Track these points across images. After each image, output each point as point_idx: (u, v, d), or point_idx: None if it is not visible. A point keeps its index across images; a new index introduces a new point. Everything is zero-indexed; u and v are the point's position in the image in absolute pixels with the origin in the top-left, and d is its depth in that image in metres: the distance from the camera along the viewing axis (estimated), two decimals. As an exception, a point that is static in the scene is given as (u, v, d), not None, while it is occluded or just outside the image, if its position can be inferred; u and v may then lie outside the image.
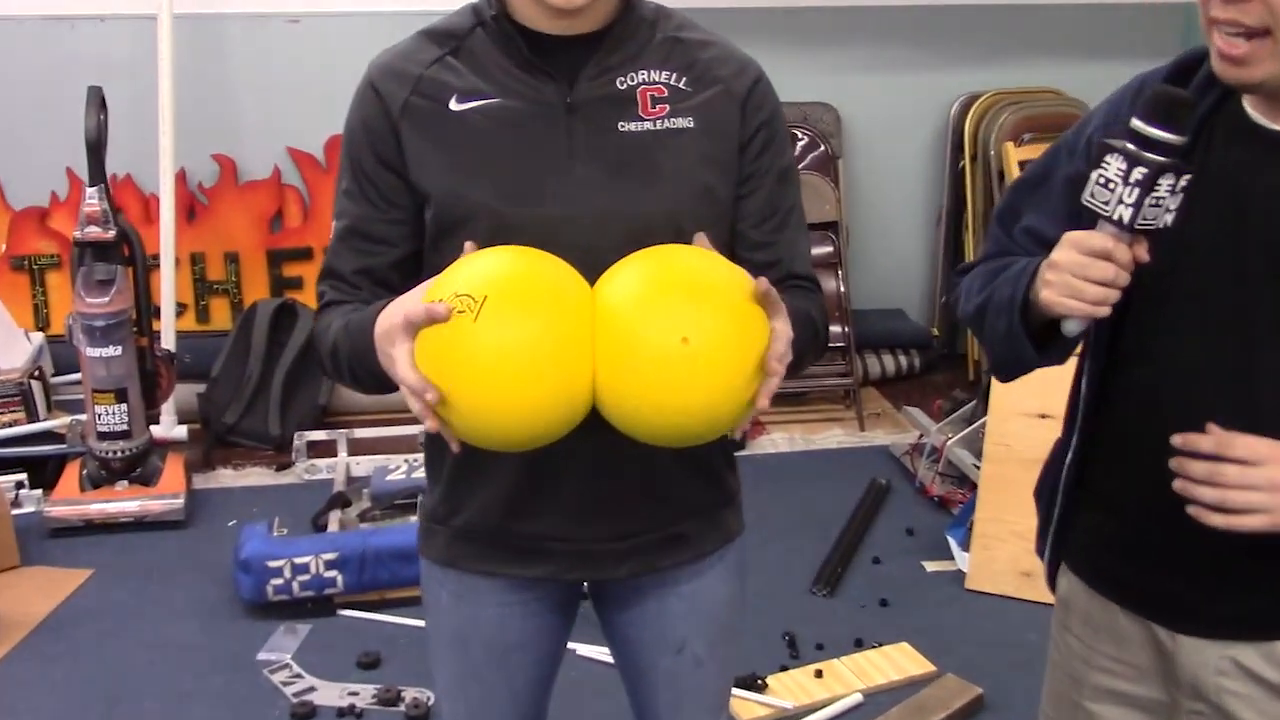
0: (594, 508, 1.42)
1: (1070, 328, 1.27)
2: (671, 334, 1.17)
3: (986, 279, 1.41)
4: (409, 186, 1.38)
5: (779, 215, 1.43)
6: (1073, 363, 1.43)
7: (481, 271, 1.21)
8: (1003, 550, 3.13)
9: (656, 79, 1.37)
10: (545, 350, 1.17)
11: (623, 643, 1.56)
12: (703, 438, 1.24)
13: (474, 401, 1.18)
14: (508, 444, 1.23)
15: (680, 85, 1.37)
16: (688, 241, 1.36)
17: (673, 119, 1.37)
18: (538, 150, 1.35)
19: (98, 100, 3.42)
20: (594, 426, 1.35)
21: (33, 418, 3.67)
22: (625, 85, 1.36)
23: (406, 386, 1.20)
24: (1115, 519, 1.39)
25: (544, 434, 1.22)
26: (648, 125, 1.36)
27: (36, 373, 3.72)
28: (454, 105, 1.36)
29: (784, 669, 2.80)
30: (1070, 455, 1.43)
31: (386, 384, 1.30)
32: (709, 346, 1.17)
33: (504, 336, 1.16)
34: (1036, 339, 1.34)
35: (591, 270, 1.27)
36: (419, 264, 1.41)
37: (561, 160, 1.34)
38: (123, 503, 3.44)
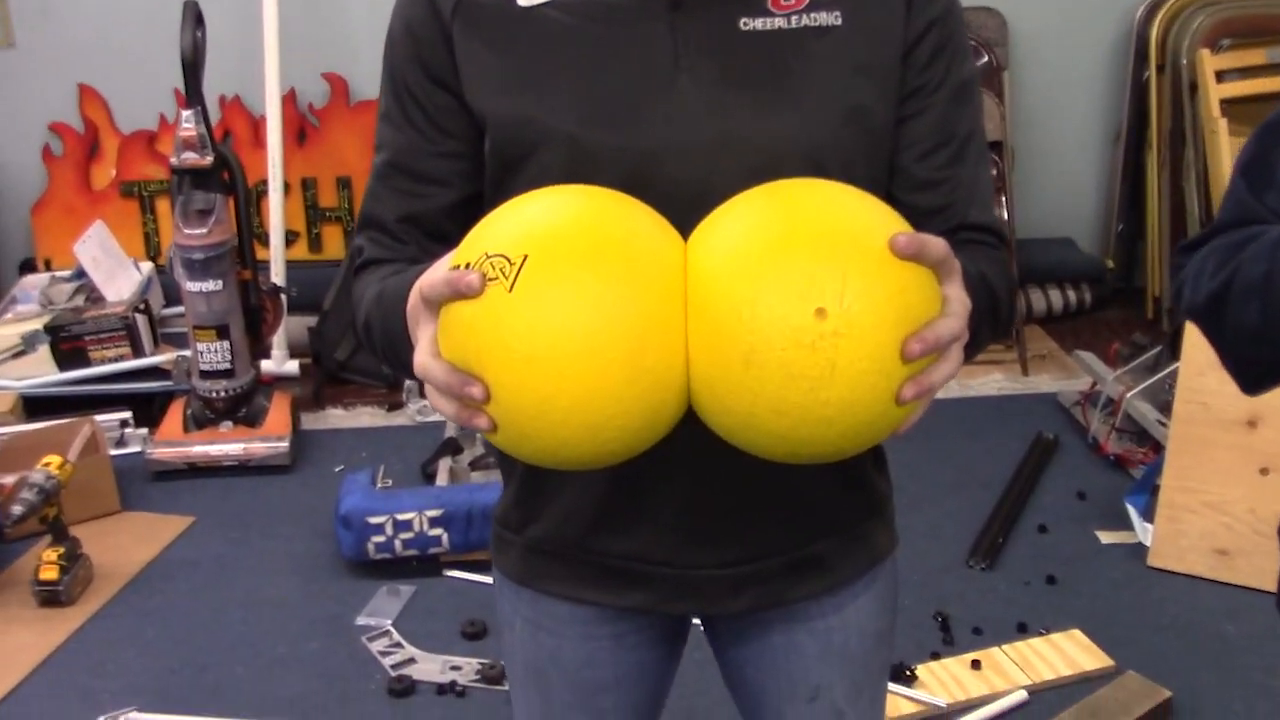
0: (702, 523, 1.10)
1: None
2: (800, 304, 0.82)
3: (1225, 256, 1.03)
4: (465, 108, 1.06)
5: (953, 145, 1.07)
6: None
7: (525, 221, 0.88)
8: (1194, 523, 2.72)
9: None
10: (611, 330, 0.84)
11: (741, 684, 1.25)
12: (843, 452, 0.90)
13: (513, 405, 0.86)
14: (565, 461, 0.90)
15: None
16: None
17: (813, 13, 1.02)
18: (631, 57, 1.01)
19: (194, 15, 3.19)
20: (699, 423, 1.04)
21: (138, 353, 3.51)
22: None
23: (429, 382, 0.89)
24: None
25: (616, 448, 0.89)
26: (779, 22, 1.01)
27: (142, 305, 3.56)
28: (523, 0, 1.03)
29: (935, 657, 2.46)
30: None
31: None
32: (857, 322, 0.82)
33: (549, 311, 0.83)
34: None
35: (700, 219, 0.94)
36: (482, 210, 1.10)
37: (663, 71, 1.01)
38: (226, 445, 3.26)
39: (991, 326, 1.05)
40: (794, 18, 1.01)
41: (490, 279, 0.84)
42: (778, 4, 1.01)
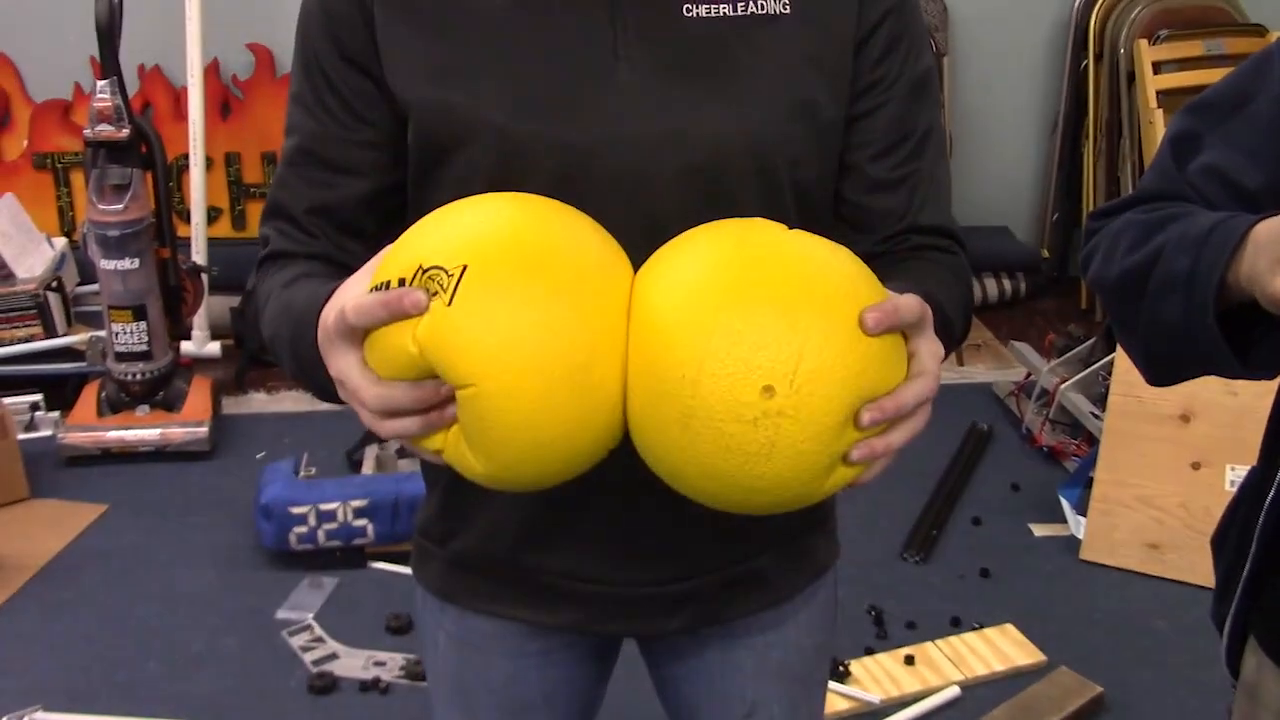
0: (637, 539, 1.04)
1: None
2: (746, 377, 0.76)
3: (1143, 233, 0.98)
4: (384, 93, 0.98)
5: (910, 142, 1.01)
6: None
7: (460, 229, 0.81)
8: (1126, 518, 2.72)
9: None
10: (559, 342, 0.78)
11: (676, 700, 1.19)
12: (775, 512, 0.84)
13: (462, 414, 0.80)
14: (504, 484, 0.84)
15: None
16: (778, 180, 0.96)
17: (760, 2, 0.95)
18: (567, 45, 0.95)
19: (110, -20, 3.04)
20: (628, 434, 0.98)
21: (50, 333, 3.38)
22: None
23: (392, 404, 0.81)
24: None
25: (561, 468, 0.83)
26: (725, 9, 0.95)
27: (55, 283, 3.42)
28: (452, -22, 0.96)
29: (869, 652, 2.44)
30: (1273, 496, 1.02)
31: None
32: (805, 405, 0.76)
33: (492, 324, 0.77)
34: (1226, 330, 0.91)
35: (639, 219, 0.88)
36: (402, 203, 1.02)
37: (601, 59, 0.94)
38: (142, 430, 3.14)
39: (946, 335, 0.99)
40: (740, 5, 0.95)
41: (431, 293, 0.77)
42: (724, -9, 0.95)
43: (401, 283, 0.79)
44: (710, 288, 0.79)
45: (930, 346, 0.83)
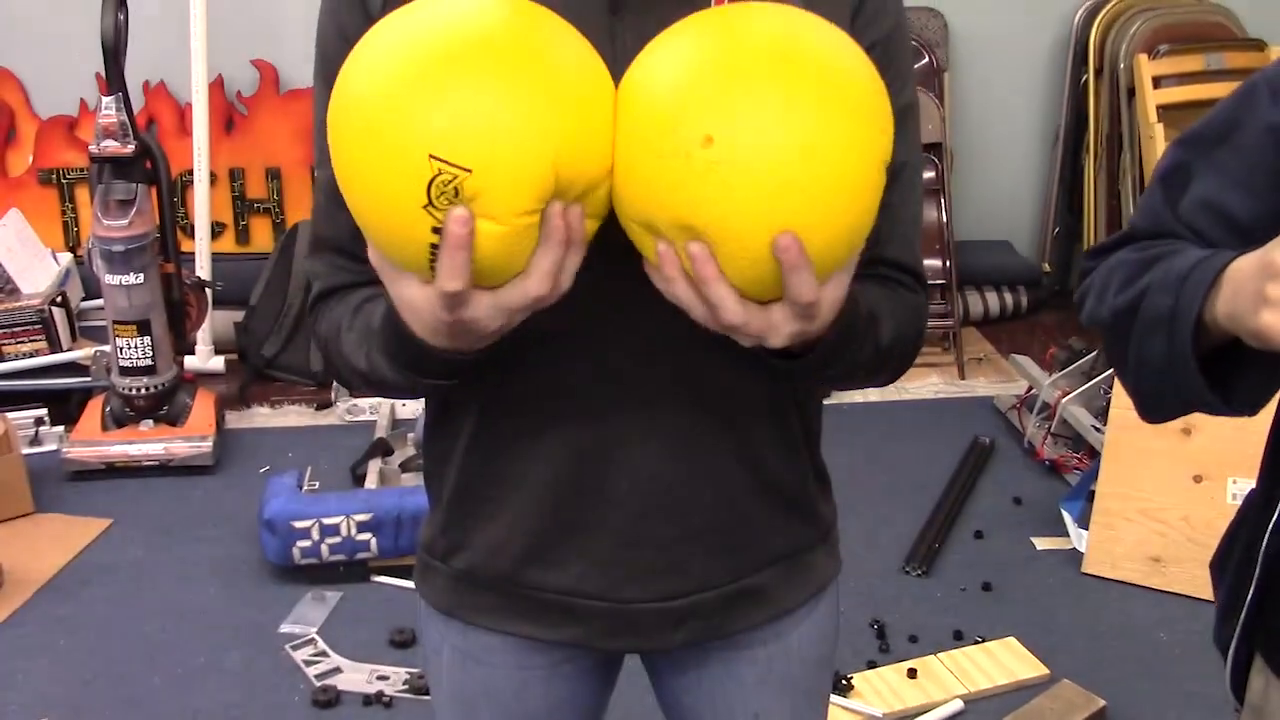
0: (639, 556, 1.05)
1: None
2: (693, 128, 0.79)
3: (1132, 273, 0.99)
4: None
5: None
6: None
7: (389, 100, 0.79)
8: (1128, 531, 2.72)
9: None
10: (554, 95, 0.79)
11: (678, 713, 1.20)
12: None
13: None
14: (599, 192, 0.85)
15: None
16: None
17: (760, 19, 0.96)
18: (569, 63, 0.95)
19: (116, -3, 3.07)
20: (635, 449, 0.99)
21: (55, 348, 3.39)
22: None
23: (553, 271, 0.82)
24: None
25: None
26: (725, 25, 0.96)
27: (60, 298, 3.43)
28: None
29: (872, 665, 2.44)
30: (1275, 518, 1.02)
31: (479, 361, 0.90)
32: (744, 153, 0.78)
33: (479, 115, 0.78)
34: (1209, 370, 0.93)
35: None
36: None
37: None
38: (146, 445, 3.15)
39: (867, 371, 0.99)
40: (740, 21, 0.96)
41: (453, 196, 0.77)
42: (723, 12, 0.96)
43: (435, 231, 0.78)
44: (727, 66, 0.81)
45: (833, 298, 0.85)
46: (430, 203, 0.78)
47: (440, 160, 0.77)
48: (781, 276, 0.80)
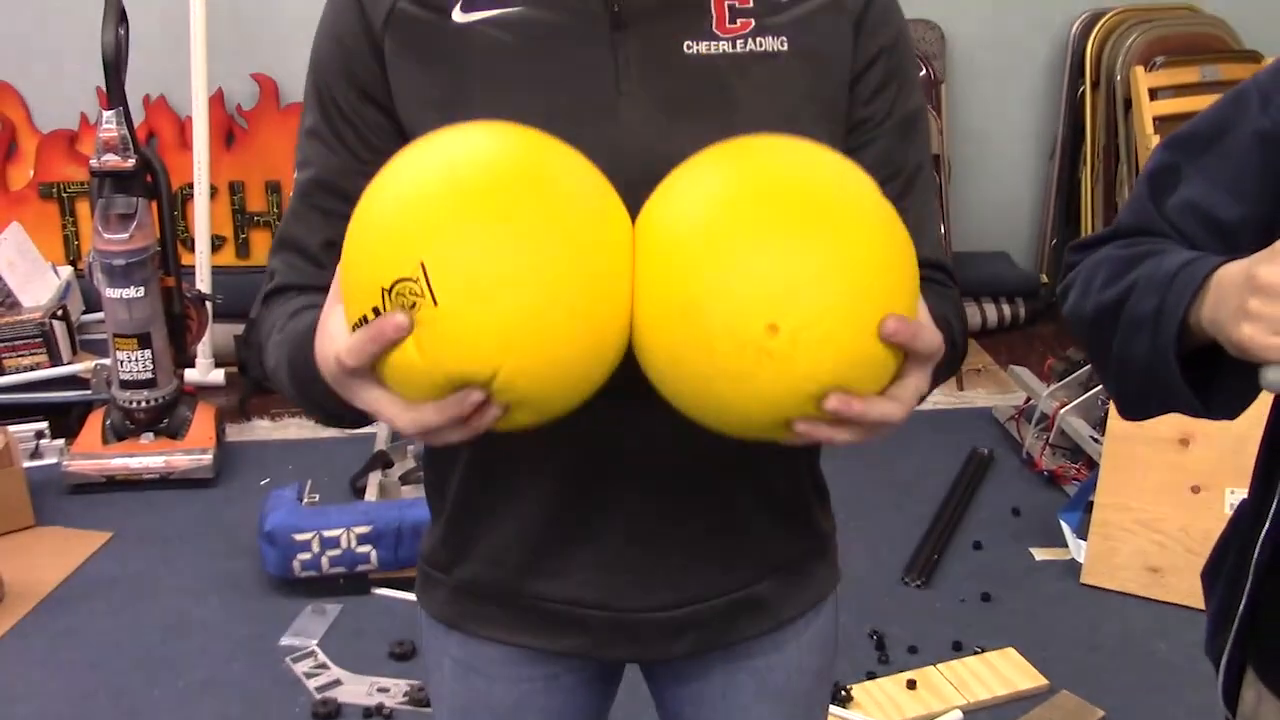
0: (639, 565, 1.06)
1: (1274, 378, 0.87)
2: (756, 307, 0.78)
3: (1118, 269, 1.00)
4: (396, 125, 1.00)
5: (900, 179, 1.03)
6: (1265, 396, 1.00)
7: (393, 216, 0.80)
8: (1126, 541, 2.73)
9: None
10: (557, 282, 0.78)
11: (677, 721, 1.21)
12: (720, 429, 0.87)
13: (508, 387, 0.80)
14: (559, 404, 0.85)
15: None
16: None
17: (759, 38, 0.98)
18: (571, 79, 0.97)
19: (117, 12, 3.09)
20: (636, 459, 1.00)
21: (55, 361, 3.40)
22: None
23: (429, 427, 0.82)
24: None
25: (585, 391, 0.85)
26: (724, 46, 0.97)
27: (60, 312, 3.44)
28: (458, 15, 0.98)
29: (871, 676, 2.44)
30: (1266, 529, 1.03)
31: (364, 419, 0.92)
32: (796, 355, 0.78)
33: (482, 287, 0.77)
34: (1190, 372, 0.94)
35: None
36: None
37: (604, 93, 0.96)
38: (146, 457, 3.16)
39: (946, 373, 1.01)
40: (739, 42, 0.97)
41: (410, 307, 0.77)
42: (723, 28, 0.97)
43: (375, 311, 0.79)
44: (736, 213, 0.81)
45: (918, 382, 0.85)
46: (390, 289, 0.78)
47: (424, 277, 0.76)
48: (899, 354, 0.82)
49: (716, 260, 0.79)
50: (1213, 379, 0.95)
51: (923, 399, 0.89)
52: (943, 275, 1.07)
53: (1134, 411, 1.04)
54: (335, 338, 0.84)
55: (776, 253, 0.79)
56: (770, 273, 0.78)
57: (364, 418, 0.90)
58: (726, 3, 0.98)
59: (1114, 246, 1.04)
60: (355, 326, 0.81)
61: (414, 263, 0.77)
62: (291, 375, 0.96)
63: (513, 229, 0.78)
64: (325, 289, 1.01)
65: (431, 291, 0.77)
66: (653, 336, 0.83)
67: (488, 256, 0.77)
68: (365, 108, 1.01)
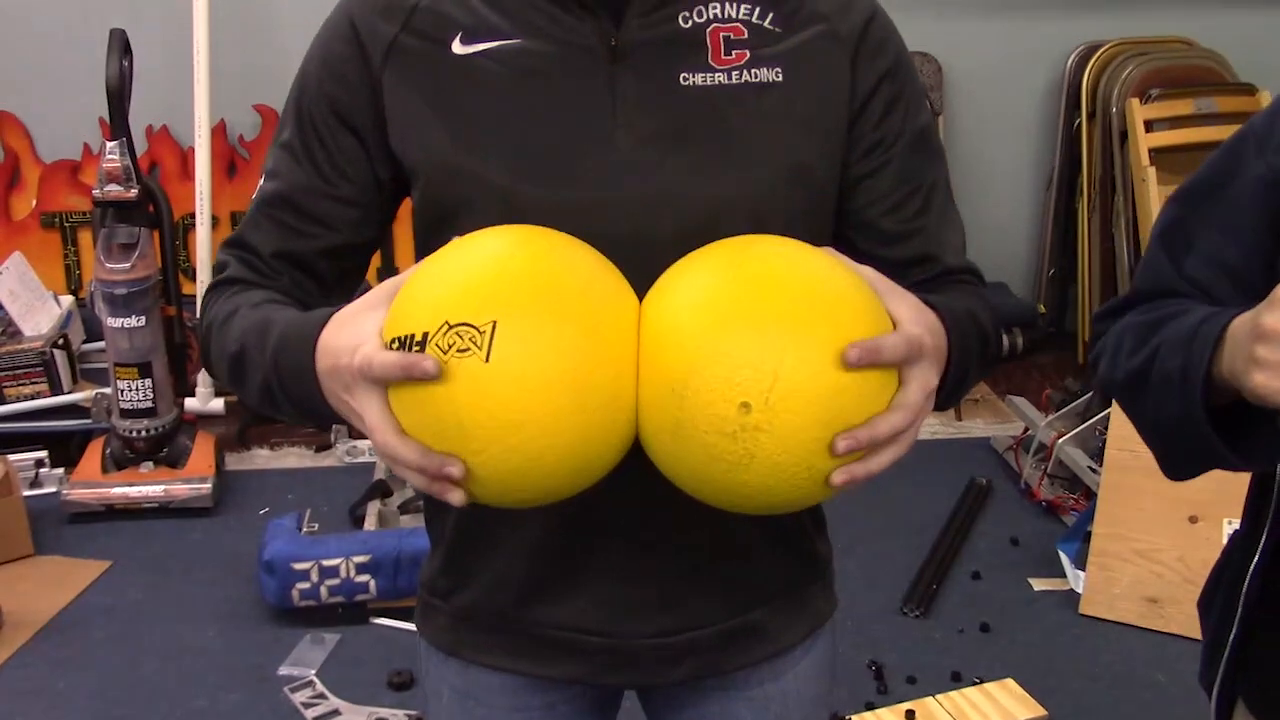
0: (637, 592, 1.07)
1: None
2: (726, 393, 0.81)
3: (1143, 334, 1.02)
4: (370, 157, 1.03)
5: (920, 194, 1.05)
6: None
7: (476, 276, 0.84)
8: (1124, 572, 2.73)
9: (733, 15, 1.00)
10: (592, 377, 0.83)
11: (675, 752, 1.21)
12: (769, 513, 0.90)
13: (500, 469, 0.83)
14: (542, 500, 0.89)
15: (765, 24, 1.00)
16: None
17: (754, 69, 0.99)
18: (569, 110, 0.98)
19: (120, 43, 3.11)
20: (635, 486, 1.00)
21: (56, 390, 3.41)
22: (690, 23, 0.99)
23: (398, 462, 0.85)
24: None
25: (587, 481, 0.89)
26: (720, 77, 0.99)
27: (61, 341, 3.45)
28: (457, 47, 1.00)
29: (870, 707, 2.43)
30: (1257, 560, 1.04)
31: (325, 419, 0.95)
32: (779, 421, 0.81)
33: (532, 373, 0.81)
34: (1221, 424, 0.95)
35: (638, 280, 0.91)
36: (358, 256, 1.08)
37: (601, 124, 0.98)
38: (146, 486, 3.16)
39: (981, 365, 1.03)
40: (735, 73, 0.99)
41: (461, 350, 0.81)
42: (719, 59, 0.99)
43: (425, 336, 0.82)
44: (703, 307, 0.85)
45: (922, 380, 0.87)
46: (454, 326, 0.81)
47: (491, 334, 0.80)
48: (883, 369, 0.85)
49: (675, 384, 0.83)
50: (1248, 431, 0.96)
51: (959, 390, 0.95)
52: (970, 277, 1.08)
53: (1179, 472, 1.05)
54: (366, 337, 0.86)
55: (725, 346, 0.82)
56: (722, 364, 0.81)
57: (326, 417, 0.93)
58: (722, 35, 0.99)
59: (1136, 313, 1.06)
60: (394, 338, 0.83)
61: (488, 317, 0.81)
62: (262, 350, 0.96)
63: (568, 335, 0.82)
64: (280, 290, 1.02)
65: (490, 349, 0.80)
66: (671, 472, 0.88)
67: (546, 350, 0.81)
68: (343, 134, 1.03)
